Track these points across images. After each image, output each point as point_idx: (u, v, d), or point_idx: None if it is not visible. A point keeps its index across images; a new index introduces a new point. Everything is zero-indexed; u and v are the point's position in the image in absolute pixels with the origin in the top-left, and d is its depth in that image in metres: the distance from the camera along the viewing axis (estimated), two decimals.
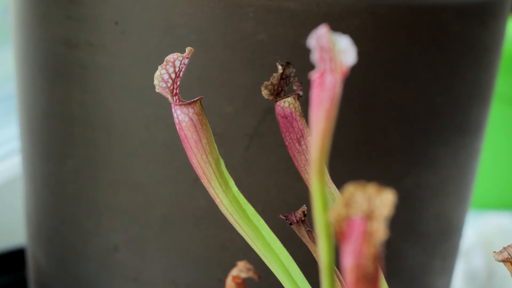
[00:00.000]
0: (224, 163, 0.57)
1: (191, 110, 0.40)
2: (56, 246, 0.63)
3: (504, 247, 0.42)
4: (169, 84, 0.40)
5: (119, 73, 0.56)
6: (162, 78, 0.40)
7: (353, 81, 0.54)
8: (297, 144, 0.41)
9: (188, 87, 0.55)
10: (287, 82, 0.41)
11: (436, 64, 0.58)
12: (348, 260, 0.27)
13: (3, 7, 1.04)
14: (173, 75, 0.40)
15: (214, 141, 0.41)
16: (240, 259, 0.42)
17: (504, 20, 0.62)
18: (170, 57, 0.40)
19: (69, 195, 0.61)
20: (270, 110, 0.55)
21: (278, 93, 0.41)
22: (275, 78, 0.41)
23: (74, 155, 0.60)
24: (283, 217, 0.42)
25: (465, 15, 0.58)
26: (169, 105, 0.41)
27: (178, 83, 0.40)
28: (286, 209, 0.55)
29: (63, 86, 0.59)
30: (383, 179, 0.59)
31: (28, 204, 0.66)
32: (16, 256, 0.84)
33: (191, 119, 0.40)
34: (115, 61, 0.56)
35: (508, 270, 0.42)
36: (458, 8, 0.57)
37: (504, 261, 0.42)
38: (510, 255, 0.42)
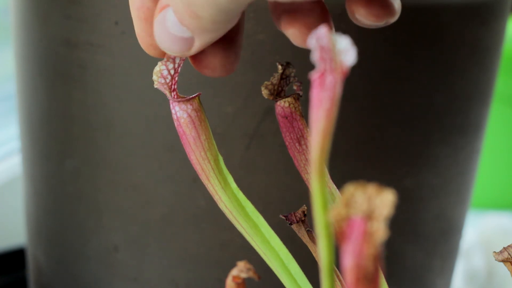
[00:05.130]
0: (224, 163, 0.57)
1: (189, 106, 0.40)
2: (56, 246, 0.63)
3: (504, 247, 0.42)
4: (167, 80, 0.40)
5: (119, 73, 0.56)
6: (162, 74, 0.40)
7: (353, 81, 0.53)
8: (297, 144, 0.41)
9: (188, 87, 0.55)
10: (287, 82, 0.41)
11: (436, 64, 0.58)
12: (348, 260, 0.27)
13: (3, 7, 1.04)
14: (172, 71, 0.40)
15: (213, 138, 0.41)
16: (240, 259, 0.42)
17: (504, 20, 0.62)
18: None
19: (69, 195, 0.61)
20: (270, 110, 0.55)
21: (278, 93, 0.41)
22: (275, 78, 0.41)
23: (74, 155, 0.60)
24: (283, 217, 0.42)
25: (465, 15, 0.58)
26: (169, 105, 0.41)
27: (176, 78, 0.40)
28: (286, 209, 0.55)
29: (63, 86, 0.59)
30: (383, 179, 0.59)
31: (28, 204, 0.66)
32: (16, 256, 0.84)
33: (189, 116, 0.40)
34: (115, 61, 0.56)
35: (508, 270, 0.42)
36: (458, 8, 0.57)
37: (504, 261, 0.42)
38: (510, 255, 0.42)
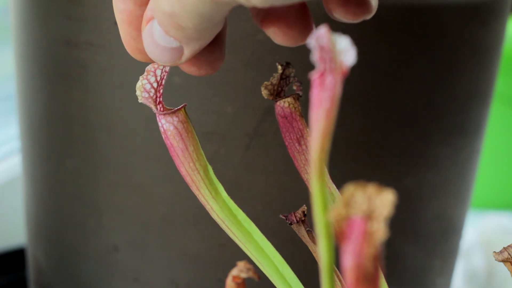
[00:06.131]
0: (224, 163, 0.57)
1: (175, 118, 0.40)
2: (56, 246, 0.63)
3: (504, 247, 0.42)
4: (151, 94, 0.40)
5: (119, 73, 0.56)
6: (144, 88, 0.40)
7: (353, 81, 0.53)
8: (297, 144, 0.41)
9: (188, 87, 0.55)
10: (287, 82, 0.41)
11: (436, 64, 0.58)
12: (348, 260, 0.27)
13: (3, 7, 1.04)
14: (155, 84, 0.40)
15: (201, 148, 0.41)
16: (240, 259, 0.42)
17: (504, 20, 0.62)
18: (150, 66, 0.40)
19: (69, 195, 0.61)
20: (270, 110, 0.55)
21: (278, 93, 0.41)
22: (275, 78, 0.41)
23: (74, 155, 0.60)
24: (283, 217, 0.42)
25: (465, 15, 0.58)
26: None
27: (161, 91, 0.40)
28: (286, 209, 0.55)
29: (63, 86, 0.59)
30: (383, 179, 0.59)
31: (28, 204, 0.66)
32: (16, 256, 0.84)
33: (176, 128, 0.40)
34: (115, 61, 0.56)
35: (508, 270, 0.42)
36: (458, 8, 0.57)
37: (504, 261, 0.42)
38: (510, 255, 0.42)
